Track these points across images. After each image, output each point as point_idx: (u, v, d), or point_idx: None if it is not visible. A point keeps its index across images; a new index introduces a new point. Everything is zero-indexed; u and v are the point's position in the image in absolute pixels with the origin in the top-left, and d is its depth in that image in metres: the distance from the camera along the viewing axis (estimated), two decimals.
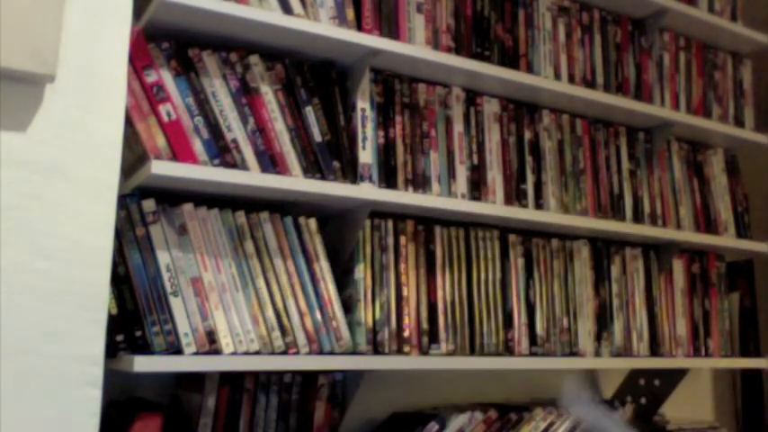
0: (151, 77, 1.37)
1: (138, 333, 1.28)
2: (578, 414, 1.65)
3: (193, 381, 1.46)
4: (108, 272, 1.16)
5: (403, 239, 1.61)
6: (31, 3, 1.09)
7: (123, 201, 1.31)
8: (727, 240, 2.11)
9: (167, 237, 1.34)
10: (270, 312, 1.40)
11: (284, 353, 1.40)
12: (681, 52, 2.18)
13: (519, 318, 1.74)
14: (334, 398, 1.56)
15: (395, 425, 1.71)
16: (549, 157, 1.86)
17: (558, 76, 1.89)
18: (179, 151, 1.35)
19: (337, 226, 1.62)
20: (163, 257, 1.32)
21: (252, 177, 1.39)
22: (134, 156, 1.39)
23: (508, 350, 1.71)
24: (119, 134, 1.20)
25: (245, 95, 1.47)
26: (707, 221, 2.13)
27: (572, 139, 1.92)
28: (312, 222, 1.50)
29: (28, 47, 1.09)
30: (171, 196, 1.39)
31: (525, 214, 1.73)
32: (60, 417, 1.09)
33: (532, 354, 1.74)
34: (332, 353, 1.45)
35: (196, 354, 1.31)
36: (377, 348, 1.52)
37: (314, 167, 1.50)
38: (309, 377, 1.54)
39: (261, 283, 1.41)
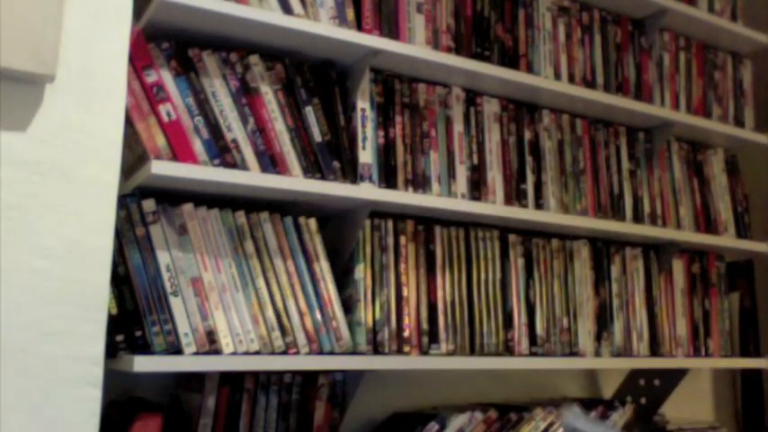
0: (151, 77, 1.37)
1: (138, 333, 1.28)
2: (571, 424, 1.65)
3: (193, 381, 1.46)
4: (108, 272, 1.16)
5: (403, 239, 1.61)
6: (31, 3, 1.09)
7: (123, 201, 1.31)
8: (727, 240, 2.11)
9: (167, 237, 1.34)
10: (270, 312, 1.40)
11: (284, 353, 1.40)
12: (681, 52, 2.18)
13: (519, 318, 1.74)
14: (334, 398, 1.56)
15: (395, 425, 1.71)
16: (549, 157, 1.86)
17: (558, 76, 1.89)
18: (179, 151, 1.35)
19: (337, 226, 1.62)
20: (163, 257, 1.32)
21: (252, 177, 1.39)
22: (134, 156, 1.39)
23: (508, 350, 1.71)
24: (119, 134, 1.20)
25: (245, 95, 1.47)
26: (707, 221, 2.13)
27: (572, 139, 1.92)
28: (312, 222, 1.50)
29: (28, 47, 1.09)
30: (171, 196, 1.39)
31: (525, 214, 1.73)
32: (60, 417, 1.09)
33: (532, 354, 1.74)
34: (332, 353, 1.45)
35: (196, 354, 1.31)
36: (377, 348, 1.52)
37: (314, 167, 1.50)
38: (309, 377, 1.54)
39: (261, 283, 1.41)
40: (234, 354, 1.34)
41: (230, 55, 1.47)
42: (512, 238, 1.77)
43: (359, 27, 1.58)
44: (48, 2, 1.11)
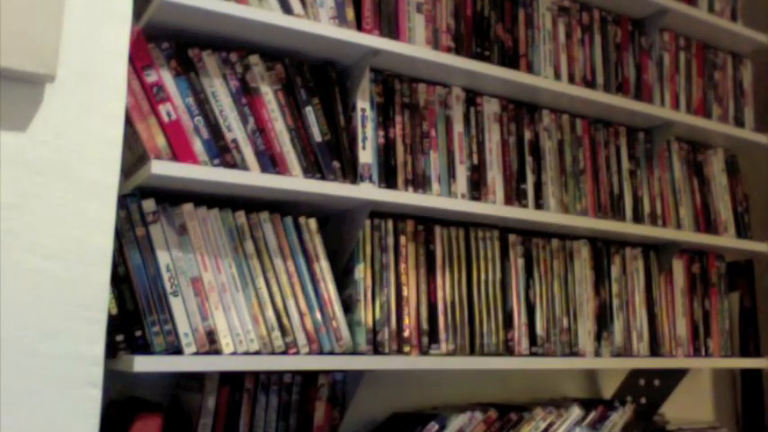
0: (151, 77, 1.37)
1: (138, 333, 1.28)
2: None
3: (193, 381, 1.46)
4: (108, 272, 1.16)
5: (403, 239, 1.61)
6: (31, 3, 1.09)
7: (123, 201, 1.31)
8: (727, 240, 2.11)
9: (167, 237, 1.34)
10: (270, 312, 1.40)
11: (284, 353, 1.40)
12: (681, 52, 2.18)
13: (519, 318, 1.74)
14: (334, 398, 1.56)
15: (395, 425, 1.71)
16: (549, 157, 1.86)
17: (558, 76, 1.89)
18: (179, 151, 1.35)
19: (337, 226, 1.62)
20: (163, 257, 1.32)
21: (252, 177, 1.39)
22: (134, 156, 1.39)
23: (508, 350, 1.71)
24: (119, 134, 1.20)
25: (245, 95, 1.47)
26: (707, 221, 2.13)
27: (572, 139, 1.92)
28: (312, 222, 1.50)
29: (28, 47, 1.09)
30: (171, 196, 1.39)
31: (525, 214, 1.72)
32: (60, 417, 1.09)
33: (532, 354, 1.74)
34: (332, 353, 1.45)
35: (196, 354, 1.31)
36: (377, 348, 1.52)
37: (314, 167, 1.50)
38: (309, 377, 1.54)
39: (261, 283, 1.41)
40: (234, 354, 1.34)
41: (230, 55, 1.47)
42: (512, 238, 1.77)
43: (359, 27, 1.58)
44: (48, 2, 1.11)
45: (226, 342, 1.34)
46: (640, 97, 2.04)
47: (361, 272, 1.54)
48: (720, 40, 2.25)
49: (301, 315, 1.43)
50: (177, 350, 1.30)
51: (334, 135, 1.54)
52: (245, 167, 1.42)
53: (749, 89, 2.32)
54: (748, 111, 2.30)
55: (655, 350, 1.96)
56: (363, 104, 1.57)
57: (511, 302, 1.74)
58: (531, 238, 1.81)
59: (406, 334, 1.57)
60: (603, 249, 1.93)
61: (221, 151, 1.40)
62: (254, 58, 1.49)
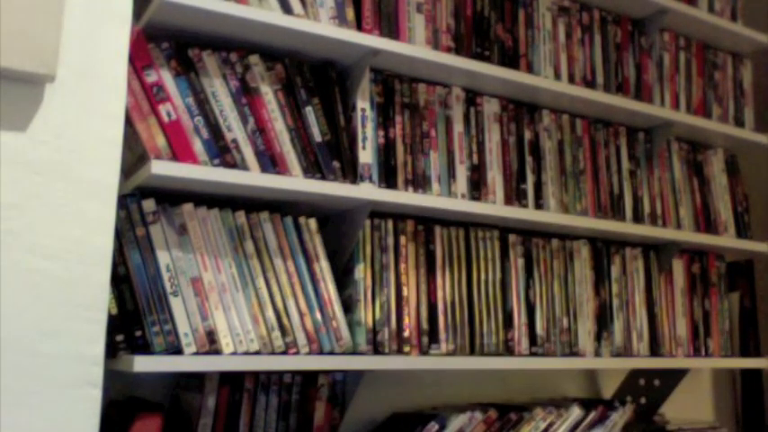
0: (151, 77, 1.37)
1: (138, 333, 1.28)
2: None
3: (193, 381, 1.46)
4: (108, 272, 1.16)
5: (403, 239, 1.61)
6: (31, 3, 1.09)
7: (123, 201, 1.31)
8: (727, 240, 2.11)
9: (167, 237, 1.34)
10: (270, 312, 1.40)
11: (284, 353, 1.40)
12: (681, 52, 2.18)
13: (519, 318, 1.74)
14: (334, 398, 1.56)
15: (395, 425, 1.71)
16: (549, 157, 1.86)
17: (558, 76, 1.89)
18: (179, 151, 1.35)
19: (337, 226, 1.62)
20: (163, 257, 1.33)
21: (252, 177, 1.39)
22: (134, 156, 1.39)
23: (508, 350, 1.71)
24: (119, 134, 1.20)
25: (245, 95, 1.47)
26: (707, 221, 2.13)
27: (572, 139, 1.92)
28: (312, 222, 1.50)
29: (28, 47, 1.09)
30: (171, 196, 1.39)
31: (525, 214, 1.72)
32: (60, 417, 1.09)
33: (532, 354, 1.74)
34: (332, 353, 1.45)
35: (196, 354, 1.31)
36: (377, 348, 1.52)
37: (314, 167, 1.50)
38: (309, 377, 1.54)
39: (261, 283, 1.41)
40: (234, 354, 1.34)
41: (230, 55, 1.47)
42: (512, 238, 1.77)
43: (359, 27, 1.58)
44: (48, 2, 1.11)
45: (226, 342, 1.34)
46: (640, 97, 2.04)
47: (361, 272, 1.54)
48: (720, 40, 2.25)
49: (301, 315, 1.43)
50: (177, 350, 1.30)
51: (334, 135, 1.54)
52: (245, 167, 1.42)
53: (749, 89, 2.32)
54: (748, 111, 2.30)
55: (655, 350, 1.96)
56: (363, 104, 1.57)
57: (511, 302, 1.74)
58: (531, 238, 1.81)
59: (406, 334, 1.57)
60: (603, 249, 1.93)
61: (221, 151, 1.40)
62: (254, 58, 1.49)
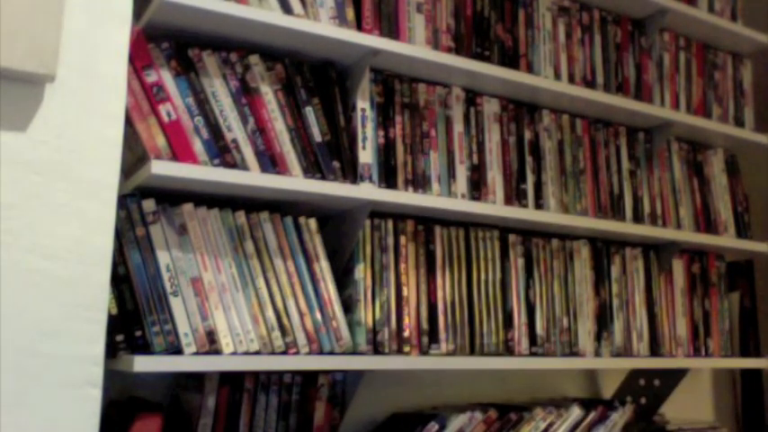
0: (151, 77, 1.37)
1: (138, 333, 1.28)
2: None
3: (193, 381, 1.46)
4: (108, 272, 1.16)
5: (403, 239, 1.61)
6: (31, 3, 1.09)
7: (123, 201, 1.31)
8: (727, 240, 2.11)
9: (167, 237, 1.34)
10: (270, 312, 1.40)
11: (284, 353, 1.40)
12: (681, 52, 2.18)
13: (519, 318, 1.74)
14: (334, 398, 1.56)
15: (395, 425, 1.71)
16: (549, 157, 1.86)
17: (558, 76, 1.89)
18: (179, 151, 1.35)
19: (337, 226, 1.62)
20: (163, 257, 1.33)
21: (252, 177, 1.39)
22: (134, 156, 1.39)
23: (508, 350, 1.71)
24: (119, 134, 1.20)
25: (245, 95, 1.47)
26: (707, 221, 2.13)
27: (572, 139, 1.92)
28: (312, 222, 1.50)
29: (28, 47, 1.09)
30: (171, 196, 1.39)
31: (525, 214, 1.72)
32: (60, 417, 1.09)
33: (532, 354, 1.74)
34: (332, 353, 1.45)
35: (196, 354, 1.31)
36: (377, 348, 1.52)
37: (314, 167, 1.50)
38: (309, 377, 1.54)
39: (261, 283, 1.41)
40: (234, 354, 1.34)
41: (230, 55, 1.47)
42: (512, 238, 1.77)
43: (359, 27, 1.58)
44: (48, 2, 1.11)
45: (226, 342, 1.34)
46: (640, 97, 2.04)
47: (361, 272, 1.54)
48: (720, 40, 2.25)
49: (301, 315, 1.43)
50: (177, 350, 1.30)
51: (334, 135, 1.54)
52: (245, 167, 1.42)
53: (749, 89, 2.32)
54: (748, 111, 2.30)
55: (655, 350, 1.96)
56: (363, 104, 1.57)
57: (511, 302, 1.74)
58: (531, 238, 1.81)
59: (406, 334, 1.57)
60: (603, 249, 1.93)
61: (221, 151, 1.40)
62: (254, 58, 1.49)
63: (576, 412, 1.77)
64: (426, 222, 1.66)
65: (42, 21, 1.10)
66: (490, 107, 1.79)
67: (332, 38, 1.50)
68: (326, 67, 1.58)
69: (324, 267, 1.48)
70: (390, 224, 1.60)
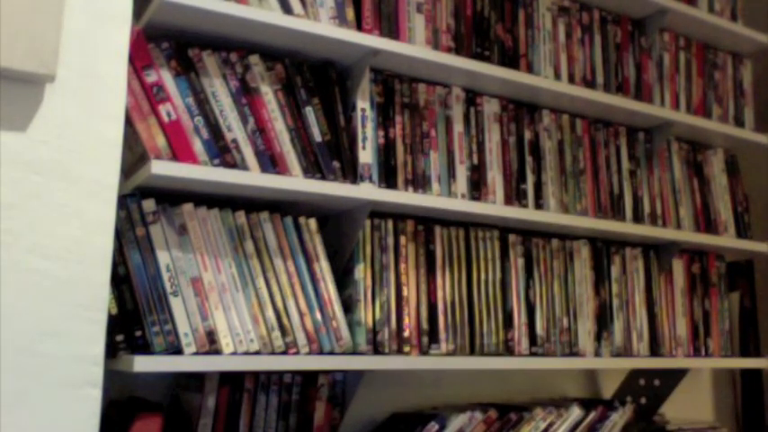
0: (151, 77, 1.37)
1: (138, 333, 1.28)
2: None
3: (193, 381, 1.46)
4: (108, 272, 1.16)
5: (403, 239, 1.61)
6: (31, 3, 1.09)
7: (123, 201, 1.31)
8: (727, 240, 2.11)
9: (167, 237, 1.34)
10: (270, 312, 1.40)
11: (284, 353, 1.40)
12: (681, 52, 2.18)
13: (519, 318, 1.74)
14: (334, 398, 1.56)
15: (395, 425, 1.71)
16: (549, 157, 1.86)
17: (558, 76, 1.89)
18: (179, 151, 1.35)
19: (337, 226, 1.62)
20: (163, 257, 1.33)
21: (252, 177, 1.39)
22: (134, 156, 1.39)
23: (508, 350, 1.71)
24: (119, 134, 1.20)
25: (245, 95, 1.47)
26: (707, 221, 2.13)
27: (572, 139, 1.92)
28: (312, 222, 1.50)
29: (28, 47, 1.09)
30: (171, 196, 1.39)
31: (525, 214, 1.72)
32: (60, 417, 1.09)
33: (532, 354, 1.74)
34: (332, 353, 1.45)
35: (196, 354, 1.31)
36: (377, 348, 1.52)
37: (314, 167, 1.50)
38: (309, 377, 1.54)
39: (261, 283, 1.41)
40: (234, 354, 1.34)
41: (230, 55, 1.47)
42: (512, 238, 1.77)
43: (359, 27, 1.58)
44: (48, 2, 1.11)
45: (226, 342, 1.34)
46: (640, 97, 2.04)
47: (361, 272, 1.54)
48: (720, 40, 2.25)
49: (301, 315, 1.43)
50: (177, 350, 1.30)
51: (334, 135, 1.54)
52: (245, 167, 1.42)
53: (749, 89, 2.32)
54: (748, 111, 2.30)
55: (655, 350, 1.96)
56: (363, 104, 1.57)
57: (511, 302, 1.74)
58: (531, 238, 1.81)
59: (406, 334, 1.57)
60: (603, 249, 1.93)
61: (221, 151, 1.40)
62: (254, 58, 1.49)
63: (575, 412, 1.77)
64: (426, 222, 1.66)
65: (42, 21, 1.10)
66: (490, 107, 1.79)
67: (332, 38, 1.50)
68: (326, 67, 1.58)
69: (324, 267, 1.48)
70: (390, 224, 1.60)
